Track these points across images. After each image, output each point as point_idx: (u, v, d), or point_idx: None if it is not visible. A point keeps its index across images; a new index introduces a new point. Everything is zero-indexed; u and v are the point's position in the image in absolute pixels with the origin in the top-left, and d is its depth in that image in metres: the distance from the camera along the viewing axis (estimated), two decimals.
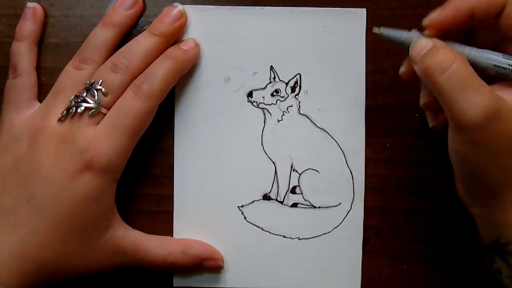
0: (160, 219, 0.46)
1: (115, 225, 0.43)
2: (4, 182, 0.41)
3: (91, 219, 0.41)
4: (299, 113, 0.46)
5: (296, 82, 0.46)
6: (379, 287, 0.46)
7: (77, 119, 0.41)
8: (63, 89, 0.43)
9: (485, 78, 0.36)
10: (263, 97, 0.46)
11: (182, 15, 0.44)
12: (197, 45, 0.45)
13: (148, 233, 0.45)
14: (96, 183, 0.40)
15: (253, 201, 0.46)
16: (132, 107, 0.41)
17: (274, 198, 0.46)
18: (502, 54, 0.37)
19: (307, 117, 0.46)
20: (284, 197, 0.46)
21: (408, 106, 0.45)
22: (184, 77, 0.45)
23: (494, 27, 0.38)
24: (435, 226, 0.46)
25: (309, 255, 0.46)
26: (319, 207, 0.46)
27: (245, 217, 0.46)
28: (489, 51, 0.38)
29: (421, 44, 0.38)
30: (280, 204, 0.46)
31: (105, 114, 0.41)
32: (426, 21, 0.38)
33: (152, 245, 0.44)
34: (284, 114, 0.46)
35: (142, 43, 0.43)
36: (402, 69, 0.41)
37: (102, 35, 0.43)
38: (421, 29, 0.42)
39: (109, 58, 0.43)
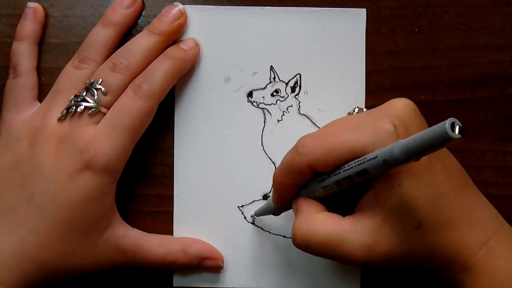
0: (160, 219, 0.46)
1: (115, 225, 0.43)
2: (4, 182, 0.41)
3: (91, 219, 0.41)
4: (299, 113, 0.46)
5: (296, 82, 0.46)
6: (379, 287, 0.46)
7: (76, 118, 0.41)
8: (63, 89, 0.43)
9: None
10: (263, 97, 0.46)
11: (182, 14, 0.44)
12: (197, 45, 0.45)
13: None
14: (96, 183, 0.40)
15: (253, 201, 0.46)
16: (132, 106, 0.41)
17: None
18: (319, 178, 0.38)
19: (307, 117, 0.46)
20: None
21: None
22: (184, 77, 0.45)
23: None
24: None
25: (309, 255, 0.45)
26: None
27: (245, 217, 0.46)
28: (313, 182, 0.38)
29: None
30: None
31: (105, 114, 0.41)
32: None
33: (152, 244, 0.44)
34: (284, 114, 0.46)
35: (141, 42, 0.43)
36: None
37: (101, 34, 0.43)
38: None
39: (109, 58, 0.43)
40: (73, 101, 0.41)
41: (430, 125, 0.31)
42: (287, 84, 0.46)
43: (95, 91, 0.41)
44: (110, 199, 0.42)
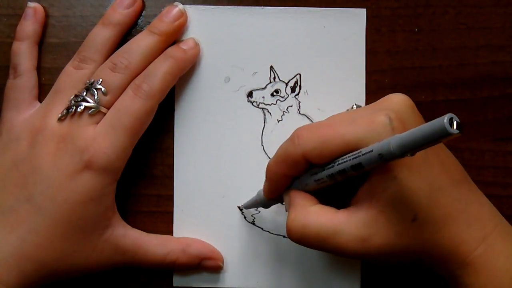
0: (160, 219, 0.46)
1: (115, 225, 0.43)
2: (4, 182, 0.41)
3: (91, 219, 0.41)
4: (299, 113, 0.46)
5: (296, 82, 0.46)
6: (379, 287, 0.46)
7: (77, 118, 0.41)
8: (63, 89, 0.43)
9: None
10: (263, 97, 0.46)
11: (182, 14, 0.44)
12: (196, 45, 0.45)
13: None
14: (96, 183, 0.40)
15: None
16: (132, 106, 0.41)
17: None
18: (312, 171, 0.37)
19: (307, 117, 0.46)
20: None
21: None
22: (184, 77, 0.45)
23: None
24: None
25: (309, 255, 0.45)
26: None
27: (245, 217, 0.46)
28: (305, 175, 0.38)
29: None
30: (281, 204, 0.45)
31: (105, 114, 0.41)
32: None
33: (151, 244, 0.44)
34: (284, 114, 0.46)
35: (141, 42, 0.43)
36: None
37: (101, 34, 0.43)
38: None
39: (109, 58, 0.43)
40: (73, 101, 0.41)
41: None
42: (287, 84, 0.46)
43: (95, 91, 0.41)
44: (110, 199, 0.42)
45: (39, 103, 0.44)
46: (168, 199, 0.46)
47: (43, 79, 0.45)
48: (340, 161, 0.35)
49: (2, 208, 0.40)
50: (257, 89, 0.46)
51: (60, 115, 0.41)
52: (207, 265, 0.45)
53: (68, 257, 0.41)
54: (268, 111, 0.46)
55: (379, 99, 0.36)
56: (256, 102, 0.46)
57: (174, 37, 0.44)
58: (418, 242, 0.36)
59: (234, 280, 0.46)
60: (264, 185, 0.40)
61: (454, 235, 0.36)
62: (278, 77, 0.46)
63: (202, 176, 0.46)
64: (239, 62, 0.46)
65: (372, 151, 0.33)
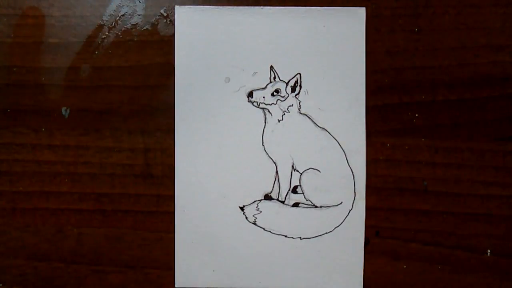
0: (160, 219, 0.46)
1: None
2: None
3: None
4: (300, 112, 0.46)
5: (296, 82, 0.46)
6: (379, 287, 0.46)
7: None
8: None
9: None
10: (264, 97, 0.46)
11: None
12: None
13: (148, 233, 0.45)
14: None
15: (255, 201, 0.46)
16: None
17: (276, 198, 0.46)
18: None
19: (308, 116, 0.46)
20: (286, 197, 0.46)
21: (408, 106, 0.45)
22: (184, 77, 0.45)
23: None
24: (435, 226, 0.46)
25: (311, 255, 0.46)
26: (321, 207, 0.46)
27: (246, 217, 0.46)
28: None
29: None
30: (282, 204, 0.46)
31: None
32: None
33: None
34: (284, 114, 0.46)
35: None
36: None
37: None
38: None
39: None
40: None
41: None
42: (287, 83, 0.46)
43: None
44: None
45: None
46: (168, 199, 0.46)
47: (43, 79, 0.45)
48: None
49: None
50: (257, 89, 0.46)
51: None
52: None
53: None
54: (269, 111, 0.46)
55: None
56: (257, 102, 0.46)
57: None
58: None
59: (236, 280, 0.46)
60: None
61: None
62: (278, 77, 0.46)
63: (203, 176, 0.46)
64: (239, 62, 0.46)
65: None
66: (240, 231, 0.46)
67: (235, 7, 0.46)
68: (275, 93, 0.46)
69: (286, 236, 0.46)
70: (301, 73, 0.46)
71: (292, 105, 0.46)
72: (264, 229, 0.46)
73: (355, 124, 0.46)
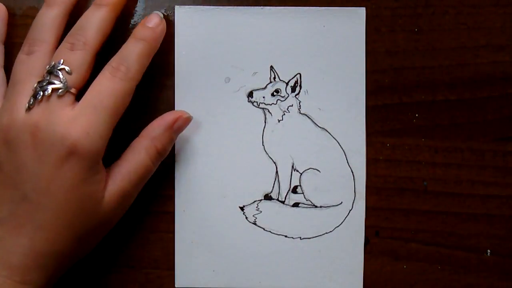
0: (160, 219, 0.46)
1: (108, 188, 0.41)
2: None
3: (87, 197, 0.40)
4: (300, 112, 0.46)
5: (296, 82, 0.46)
6: (379, 287, 0.46)
7: (46, 103, 0.39)
8: (21, 79, 0.41)
9: None
10: (264, 97, 0.46)
11: None
12: (162, 20, 0.44)
13: (148, 234, 0.45)
14: (83, 166, 0.39)
15: (255, 201, 0.46)
16: (112, 87, 0.40)
17: (276, 198, 0.46)
18: None
19: (308, 116, 0.46)
20: (286, 197, 0.46)
21: (408, 106, 0.45)
22: (184, 77, 0.45)
23: None
24: (435, 226, 0.46)
25: (311, 255, 0.46)
26: (321, 207, 0.46)
27: (246, 217, 0.46)
28: None
29: None
30: (282, 204, 0.46)
31: (74, 94, 0.40)
32: None
33: (132, 162, 0.43)
34: (284, 114, 0.46)
35: (91, 17, 0.42)
36: None
37: (47, 14, 0.42)
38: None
39: (64, 39, 0.42)
40: (38, 87, 0.40)
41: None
42: (287, 83, 0.46)
43: (59, 72, 0.40)
44: (101, 174, 0.41)
45: None
46: (168, 199, 0.46)
47: None
48: None
49: (1, 215, 0.40)
50: (257, 89, 0.46)
51: (27, 105, 0.39)
52: (179, 127, 0.44)
53: (80, 238, 0.40)
54: (269, 111, 0.46)
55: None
56: (257, 102, 0.46)
57: (122, 5, 0.44)
58: None
59: (236, 280, 0.46)
60: None
61: None
62: (278, 77, 0.46)
63: (203, 176, 0.46)
64: (239, 62, 0.46)
65: None
66: (240, 231, 0.46)
67: (235, 7, 0.46)
68: (275, 93, 0.46)
69: (286, 236, 0.46)
70: (301, 73, 0.46)
71: (292, 105, 0.46)
72: (264, 229, 0.46)
73: (355, 124, 0.46)
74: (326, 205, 0.46)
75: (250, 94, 0.46)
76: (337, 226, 0.46)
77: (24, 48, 0.42)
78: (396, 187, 0.46)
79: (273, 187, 0.46)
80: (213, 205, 0.46)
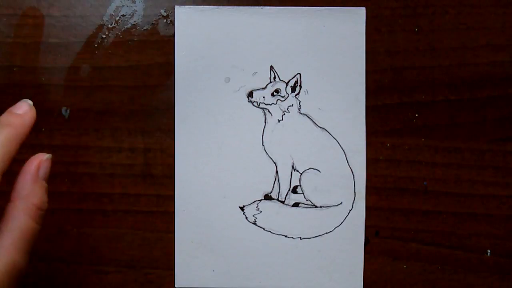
0: (160, 219, 0.46)
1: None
2: None
3: None
4: (300, 112, 0.46)
5: (296, 82, 0.46)
6: (379, 287, 0.46)
7: None
8: None
9: None
10: (264, 97, 0.46)
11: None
12: (31, 107, 0.41)
13: (148, 234, 0.45)
14: None
15: (255, 201, 0.46)
16: None
17: (276, 198, 0.46)
18: None
19: (308, 116, 0.46)
20: (286, 197, 0.46)
21: (408, 106, 0.45)
22: (184, 77, 0.45)
23: None
24: (435, 226, 0.46)
25: (311, 255, 0.46)
26: (321, 207, 0.46)
27: (246, 217, 0.46)
28: None
29: None
30: (282, 204, 0.46)
31: None
32: None
33: (15, 233, 0.39)
34: (284, 114, 0.46)
35: None
36: None
37: None
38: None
39: None
40: None
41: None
42: (287, 83, 0.46)
43: None
44: None
45: None
46: (168, 199, 0.46)
47: (43, 79, 0.45)
48: None
49: None
50: (257, 89, 0.46)
51: None
52: (45, 172, 0.41)
53: None
54: (269, 111, 0.46)
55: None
56: (257, 102, 0.46)
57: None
58: None
59: (236, 280, 0.46)
60: None
61: None
62: (278, 77, 0.46)
63: (203, 176, 0.46)
64: (239, 62, 0.46)
65: None
66: (240, 231, 0.46)
67: (235, 7, 0.46)
68: (275, 93, 0.46)
69: (286, 236, 0.46)
70: (301, 73, 0.46)
71: (292, 105, 0.46)
72: (264, 229, 0.46)
73: (355, 124, 0.46)
74: (326, 205, 0.46)
75: (250, 94, 0.46)
76: (337, 226, 0.46)
77: None
78: (396, 187, 0.46)
79: (273, 187, 0.46)
80: (213, 205, 0.46)
